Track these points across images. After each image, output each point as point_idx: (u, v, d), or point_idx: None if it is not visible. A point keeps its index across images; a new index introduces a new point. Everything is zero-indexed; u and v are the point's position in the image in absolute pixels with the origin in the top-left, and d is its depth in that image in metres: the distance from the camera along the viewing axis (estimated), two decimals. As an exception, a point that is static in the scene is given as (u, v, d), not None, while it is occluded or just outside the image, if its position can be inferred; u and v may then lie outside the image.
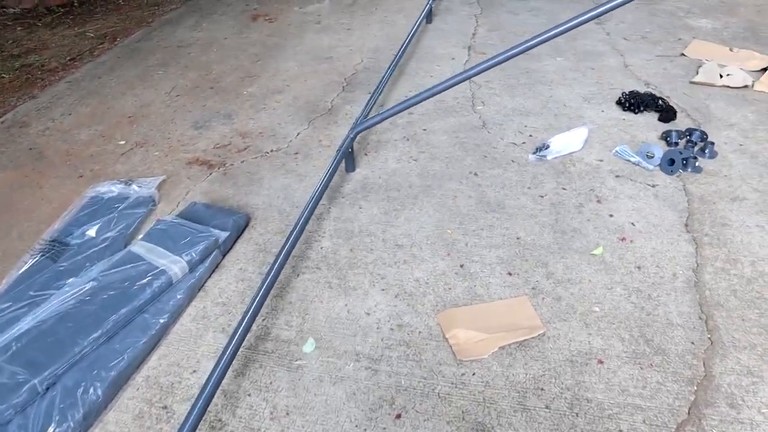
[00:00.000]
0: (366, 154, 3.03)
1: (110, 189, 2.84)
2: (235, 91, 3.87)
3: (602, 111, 3.26)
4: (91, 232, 2.56)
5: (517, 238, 2.39)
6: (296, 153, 3.10)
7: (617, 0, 2.18)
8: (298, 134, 3.28)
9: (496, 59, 2.38)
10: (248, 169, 3.00)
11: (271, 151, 3.14)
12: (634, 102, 3.19)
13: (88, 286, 2.19)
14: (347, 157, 2.82)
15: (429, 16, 4.69)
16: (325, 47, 4.47)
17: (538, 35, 2.31)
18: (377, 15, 5.09)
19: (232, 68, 4.22)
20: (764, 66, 3.53)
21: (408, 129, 3.23)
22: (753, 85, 3.37)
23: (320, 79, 3.95)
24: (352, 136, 2.76)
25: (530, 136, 3.08)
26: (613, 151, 2.86)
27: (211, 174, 2.98)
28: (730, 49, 3.78)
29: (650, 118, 3.15)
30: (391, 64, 3.64)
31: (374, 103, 3.27)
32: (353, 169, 2.90)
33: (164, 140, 3.32)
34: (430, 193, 2.70)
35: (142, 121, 3.56)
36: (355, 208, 2.65)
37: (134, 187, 2.85)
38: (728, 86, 3.38)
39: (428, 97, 2.58)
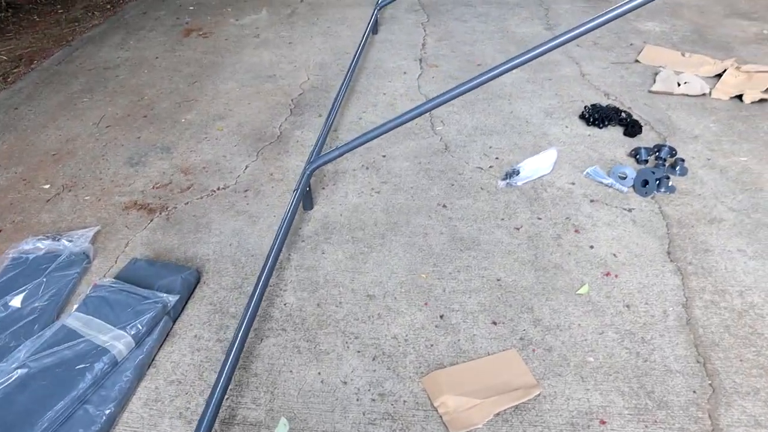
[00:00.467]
0: (324, 188, 2.80)
1: (36, 246, 2.50)
2: (171, 118, 3.53)
3: (566, 127, 3.14)
4: (16, 302, 2.23)
5: (498, 280, 2.22)
6: (246, 190, 2.83)
7: (587, 26, 2.04)
8: (246, 167, 3.01)
9: (461, 88, 2.21)
10: (194, 211, 2.71)
11: (218, 189, 2.85)
12: (597, 116, 3.08)
13: (15, 375, 1.89)
14: (305, 196, 2.58)
15: (375, 27, 4.47)
16: (266, 64, 4.17)
17: (506, 62, 2.15)
18: (319, 26, 4.82)
19: (166, 92, 3.86)
20: (717, 72, 3.51)
21: (366, 156, 3.01)
22: (710, 93, 3.33)
23: (265, 101, 3.66)
24: (308, 173, 2.52)
25: (496, 158, 2.92)
26: (584, 172, 2.73)
27: (152, 220, 2.67)
28: (683, 54, 3.75)
29: (615, 133, 3.05)
30: (342, 85, 3.40)
31: (328, 130, 3.02)
32: (311, 207, 2.66)
33: (96, 181, 2.98)
34: (398, 231, 2.50)
35: (69, 158, 3.18)
36: (318, 252, 2.42)
37: (64, 241, 2.52)
38: (687, 94, 3.33)
39: (390, 130, 2.38)
